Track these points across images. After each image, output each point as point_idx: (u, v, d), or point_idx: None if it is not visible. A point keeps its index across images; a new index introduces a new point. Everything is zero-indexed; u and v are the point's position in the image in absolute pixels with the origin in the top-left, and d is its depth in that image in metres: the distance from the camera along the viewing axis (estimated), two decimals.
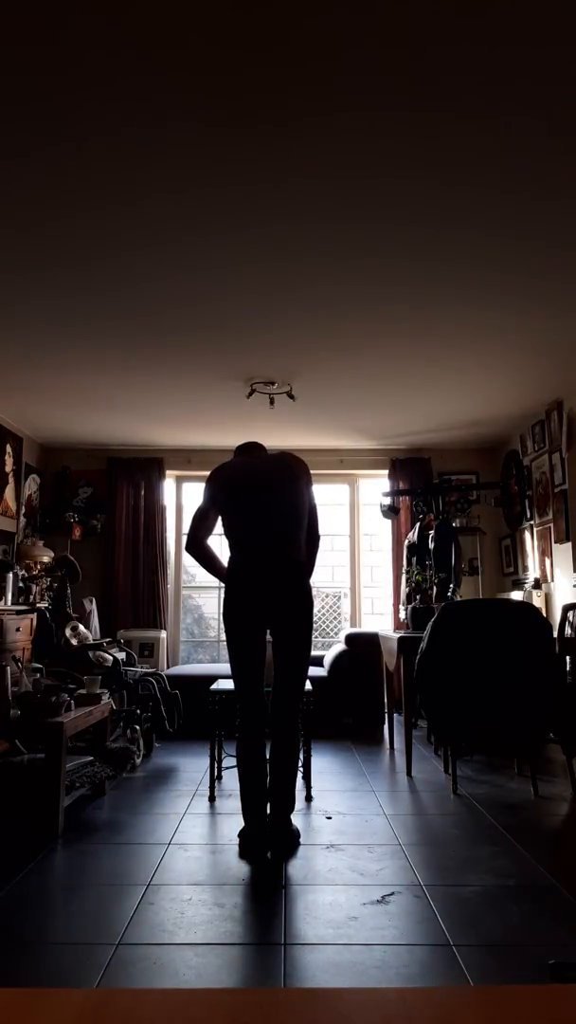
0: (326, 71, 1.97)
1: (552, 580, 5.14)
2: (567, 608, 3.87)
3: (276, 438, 5.98)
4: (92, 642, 4.84)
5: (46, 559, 5.49)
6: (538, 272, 3.17)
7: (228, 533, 2.83)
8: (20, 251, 2.98)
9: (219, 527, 2.89)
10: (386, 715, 5.13)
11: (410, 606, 4.62)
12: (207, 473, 2.95)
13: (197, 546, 2.86)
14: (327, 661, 5.43)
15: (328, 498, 6.62)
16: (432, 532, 5.03)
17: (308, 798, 3.36)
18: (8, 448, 5.56)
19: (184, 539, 6.62)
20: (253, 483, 2.82)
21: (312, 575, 2.88)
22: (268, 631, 2.78)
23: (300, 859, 2.58)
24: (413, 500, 6.28)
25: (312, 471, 2.93)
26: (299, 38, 1.86)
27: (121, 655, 4.76)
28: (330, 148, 2.30)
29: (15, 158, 2.35)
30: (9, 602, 4.79)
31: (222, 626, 3.23)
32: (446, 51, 1.90)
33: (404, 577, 5.31)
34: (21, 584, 5.15)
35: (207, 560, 2.88)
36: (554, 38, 1.86)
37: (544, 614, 4.10)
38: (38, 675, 3.68)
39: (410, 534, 5.55)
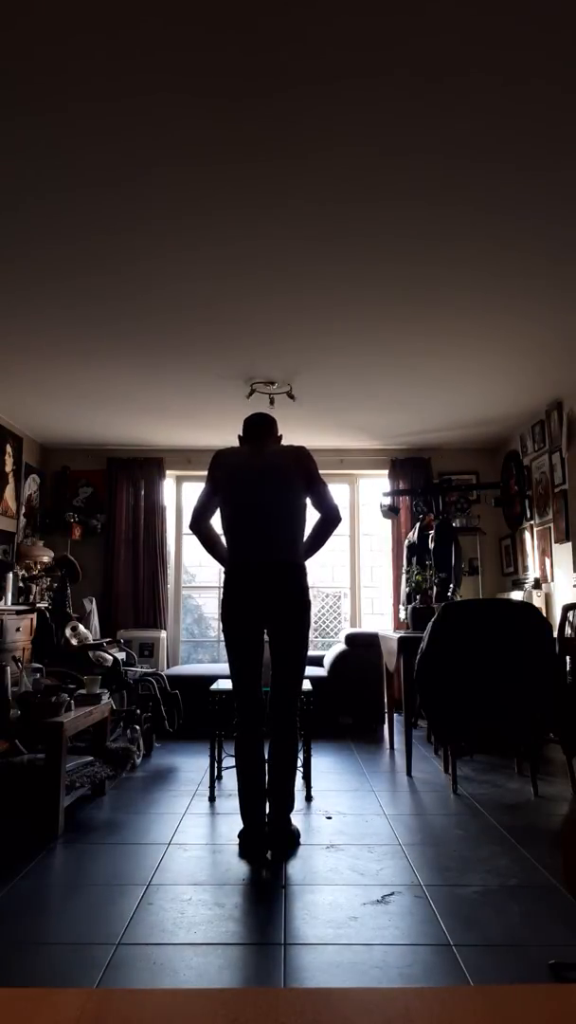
0: (325, 57, 1.97)
1: (552, 580, 5.14)
2: (567, 608, 3.87)
3: None
4: (92, 642, 4.84)
5: (46, 559, 5.49)
6: (539, 271, 3.17)
7: (225, 529, 2.83)
8: (20, 251, 2.98)
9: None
10: (386, 715, 5.13)
11: (410, 606, 4.62)
12: (207, 473, 2.92)
13: (199, 528, 2.89)
14: (327, 661, 5.43)
15: None
16: (432, 532, 5.04)
17: (308, 798, 3.36)
18: (8, 448, 5.56)
19: (185, 539, 6.69)
20: (252, 480, 2.80)
21: (318, 550, 2.85)
22: (266, 631, 2.78)
23: (300, 859, 2.58)
24: (413, 500, 6.28)
25: None
26: (298, 10, 1.86)
27: (121, 655, 4.76)
28: (329, 144, 2.30)
29: (14, 156, 2.36)
30: (9, 602, 4.79)
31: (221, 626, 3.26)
32: (451, 36, 1.90)
33: (404, 577, 5.31)
34: (21, 584, 5.15)
35: (209, 542, 2.90)
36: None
37: (544, 614, 4.10)
38: (38, 675, 3.68)
39: (410, 534, 5.55)
